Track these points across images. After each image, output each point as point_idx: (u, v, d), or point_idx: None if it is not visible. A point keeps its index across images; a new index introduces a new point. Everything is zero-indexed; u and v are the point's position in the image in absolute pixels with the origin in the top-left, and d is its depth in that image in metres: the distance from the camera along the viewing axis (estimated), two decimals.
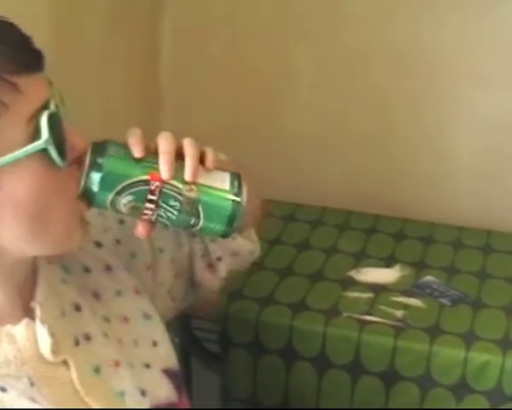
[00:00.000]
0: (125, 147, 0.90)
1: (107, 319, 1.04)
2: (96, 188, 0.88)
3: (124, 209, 0.90)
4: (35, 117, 0.84)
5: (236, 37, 2.00)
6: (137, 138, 0.91)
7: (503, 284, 1.65)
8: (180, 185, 0.90)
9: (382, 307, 1.55)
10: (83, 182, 0.88)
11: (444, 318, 1.54)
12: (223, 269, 1.21)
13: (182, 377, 1.11)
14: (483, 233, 1.83)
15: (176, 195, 0.90)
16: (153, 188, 0.89)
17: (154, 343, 1.09)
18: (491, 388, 1.45)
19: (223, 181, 0.93)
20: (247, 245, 1.19)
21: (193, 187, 0.91)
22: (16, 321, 0.92)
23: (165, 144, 0.91)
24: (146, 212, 0.91)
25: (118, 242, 1.12)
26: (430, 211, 1.91)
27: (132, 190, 0.89)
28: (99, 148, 0.89)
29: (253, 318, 1.53)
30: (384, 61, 1.90)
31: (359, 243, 1.78)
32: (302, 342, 1.52)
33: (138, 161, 0.90)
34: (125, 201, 0.90)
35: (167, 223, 0.93)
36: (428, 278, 1.66)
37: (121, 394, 0.99)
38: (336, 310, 1.54)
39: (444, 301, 1.58)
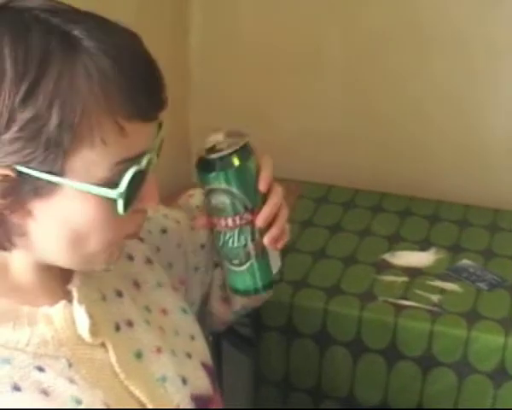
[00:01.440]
0: (257, 167, 1.00)
1: (147, 309, 1.04)
2: (224, 169, 0.97)
3: (214, 199, 0.99)
4: (123, 164, 0.83)
5: (264, 19, 1.97)
6: (269, 174, 1.01)
7: None
8: (257, 235, 1.01)
9: (418, 292, 1.53)
10: (221, 154, 0.97)
11: (481, 302, 1.51)
12: (237, 303, 1.22)
13: (216, 375, 1.10)
14: None
15: (249, 237, 1.01)
16: (244, 216, 1.00)
17: (192, 337, 1.08)
18: None
19: (276, 263, 1.06)
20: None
21: (262, 247, 1.03)
22: (53, 303, 0.92)
23: (275, 200, 1.01)
24: (222, 221, 1.01)
25: (158, 249, 1.13)
26: (465, 193, 1.88)
27: (234, 200, 0.99)
28: (248, 149, 1.00)
29: (286, 301, 1.51)
30: (413, 42, 1.87)
31: (393, 225, 1.75)
32: (337, 326, 1.50)
33: (257, 189, 0.99)
34: (223, 199, 0.99)
35: (221, 242, 1.03)
36: (465, 261, 1.62)
37: (163, 379, 0.98)
38: (371, 294, 1.52)
39: (481, 285, 1.55)
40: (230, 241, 1.02)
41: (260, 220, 1.01)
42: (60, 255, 0.88)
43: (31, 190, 0.82)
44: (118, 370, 0.93)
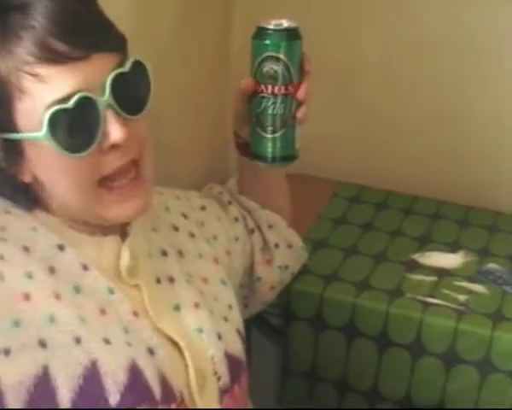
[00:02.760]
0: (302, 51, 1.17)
1: (189, 274, 1.10)
2: (279, 40, 1.13)
3: (265, 66, 1.14)
4: (52, 108, 0.89)
5: (305, 20, 2.00)
6: (310, 60, 1.17)
7: None
8: (294, 108, 1.17)
9: (445, 291, 1.56)
10: (279, 27, 1.14)
11: (507, 305, 1.54)
12: (279, 257, 1.31)
13: (247, 350, 1.16)
14: None
15: (288, 108, 1.17)
16: (289, 88, 1.15)
17: (230, 306, 1.15)
18: None
19: (298, 141, 1.23)
20: (298, 238, 1.38)
21: (294, 120, 1.19)
22: (106, 235, 1.01)
23: (311, 82, 1.17)
24: (269, 88, 1.15)
25: (202, 224, 1.22)
26: (495, 200, 1.91)
27: (283, 71, 1.13)
28: (299, 32, 1.17)
29: (317, 293, 1.56)
30: (450, 47, 1.90)
31: (423, 227, 1.79)
32: (364, 319, 1.54)
33: (301, 67, 1.17)
34: (275, 67, 1.13)
35: (262, 108, 1.16)
36: (492, 265, 1.66)
37: (199, 330, 1.04)
38: (399, 291, 1.56)
39: (507, 288, 1.59)
40: (271, 108, 1.15)
41: (301, 93, 1.16)
42: (70, 206, 0.97)
43: (13, 152, 0.93)
44: (151, 313, 1.01)
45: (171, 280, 1.07)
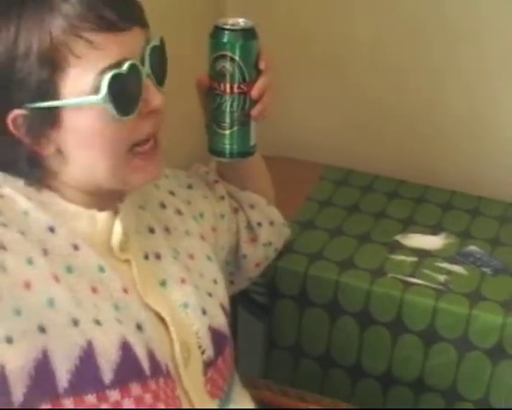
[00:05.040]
0: (259, 50, 1.20)
1: (176, 250, 1.15)
2: (233, 40, 1.16)
3: (219, 65, 1.17)
4: (104, 73, 0.94)
5: (292, 8, 2.03)
6: (268, 58, 1.19)
7: None
8: (248, 106, 1.20)
9: (426, 271, 1.61)
10: (233, 27, 1.17)
11: (485, 285, 1.59)
12: (263, 235, 1.36)
13: (231, 324, 1.20)
14: None
15: (241, 105, 1.19)
16: (242, 86, 1.18)
17: (215, 281, 1.19)
18: None
19: (254, 137, 1.25)
20: (279, 215, 1.42)
21: (248, 117, 1.21)
22: (101, 211, 1.05)
23: (268, 79, 1.20)
24: (222, 86, 1.18)
25: (188, 202, 1.26)
26: (478, 185, 1.95)
27: (236, 70, 1.17)
28: (255, 32, 1.19)
29: (301, 271, 1.61)
30: (441, 35, 1.94)
31: (407, 210, 1.84)
32: (347, 297, 1.59)
33: (256, 66, 1.19)
34: (227, 66, 1.17)
35: (216, 105, 1.19)
36: (472, 247, 1.71)
37: (184, 305, 1.09)
38: (382, 270, 1.61)
39: (486, 270, 1.64)
40: (224, 105, 1.19)
41: (255, 91, 1.19)
42: (96, 174, 1.01)
43: (45, 122, 0.96)
44: (139, 287, 1.05)
45: (158, 256, 1.12)
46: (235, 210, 1.35)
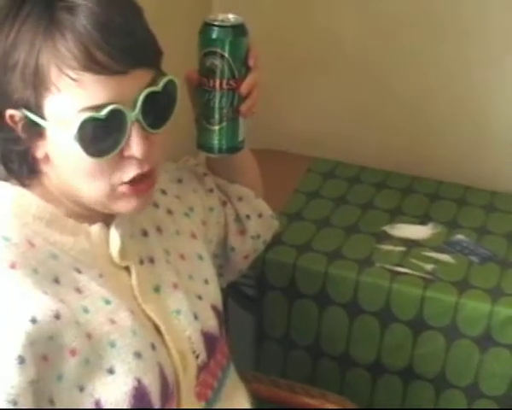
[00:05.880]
0: (248, 47, 1.19)
1: (167, 251, 1.16)
2: (223, 36, 1.16)
3: (208, 61, 1.17)
4: (85, 112, 0.94)
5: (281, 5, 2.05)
6: (257, 55, 1.19)
7: None
8: (236, 102, 1.19)
9: (413, 261, 1.63)
10: (223, 23, 1.17)
11: (472, 273, 1.61)
12: (251, 228, 1.37)
13: (223, 319, 1.21)
14: None
15: (230, 101, 1.19)
16: (230, 82, 1.18)
17: (206, 281, 1.20)
18: None
19: (243, 132, 1.24)
20: (267, 207, 1.41)
21: (237, 113, 1.20)
22: (92, 223, 1.05)
23: (257, 76, 1.20)
24: (211, 81, 1.17)
25: (178, 197, 1.26)
26: (465, 175, 1.97)
27: (225, 66, 1.16)
28: (245, 29, 1.19)
29: (290, 263, 1.62)
30: (420, 27, 1.95)
31: (395, 200, 1.85)
32: (335, 288, 1.60)
33: (245, 62, 1.19)
34: (216, 62, 1.17)
35: (204, 101, 1.19)
36: (459, 236, 1.72)
37: (177, 312, 1.10)
38: (369, 260, 1.62)
39: (473, 258, 1.65)
40: (213, 101, 1.19)
41: (244, 88, 1.19)
42: (80, 194, 1.01)
43: (35, 130, 0.97)
44: (137, 294, 1.06)
45: (152, 260, 1.12)
46: (224, 203, 1.36)
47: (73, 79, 0.92)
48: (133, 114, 0.96)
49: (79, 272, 1.01)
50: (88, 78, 0.92)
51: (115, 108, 0.94)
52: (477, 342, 1.55)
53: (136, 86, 0.97)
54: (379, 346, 1.60)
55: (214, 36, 1.16)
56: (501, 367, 1.54)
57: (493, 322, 1.53)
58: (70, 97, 0.93)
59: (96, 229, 1.05)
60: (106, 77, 0.93)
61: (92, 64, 0.92)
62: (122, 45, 0.93)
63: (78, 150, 0.95)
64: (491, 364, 1.55)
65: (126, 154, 0.98)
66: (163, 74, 1.01)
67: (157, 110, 1.00)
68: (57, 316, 0.94)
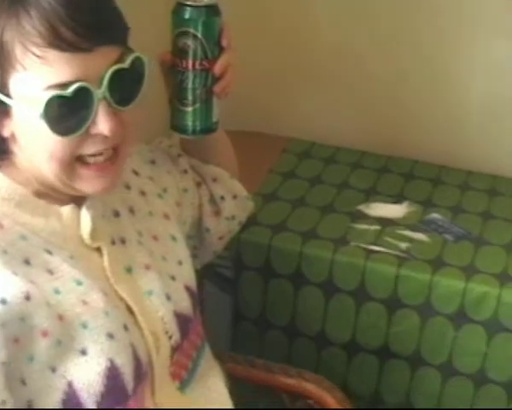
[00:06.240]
0: (221, 27, 1.18)
1: (140, 233, 1.15)
2: (196, 16, 1.15)
3: (181, 42, 1.16)
4: (51, 90, 0.93)
5: None
6: (230, 35, 1.18)
7: (506, 224, 1.72)
8: (210, 83, 1.19)
9: (388, 239, 1.63)
10: (196, 4, 1.15)
11: (446, 252, 1.61)
12: (226, 209, 1.36)
13: (198, 299, 1.21)
14: (489, 177, 1.90)
15: (203, 82, 1.18)
16: (203, 62, 1.17)
17: (180, 262, 1.19)
18: (488, 318, 1.53)
19: (216, 113, 1.23)
20: (242, 188, 1.41)
21: (211, 94, 1.20)
22: (63, 204, 1.04)
23: (230, 56, 1.18)
24: (184, 62, 1.17)
25: (151, 178, 1.25)
26: (440, 154, 1.98)
27: (198, 46, 1.15)
28: (218, 9, 1.17)
29: (265, 243, 1.62)
30: (397, 9, 1.95)
31: (370, 180, 1.86)
32: (311, 267, 1.60)
33: (218, 42, 1.18)
34: (189, 42, 1.15)
35: (177, 81, 1.18)
36: (434, 215, 1.73)
37: (149, 293, 1.10)
38: (344, 239, 1.63)
39: (448, 236, 1.66)
40: (186, 82, 1.17)
41: (218, 68, 1.18)
42: (46, 174, 1.00)
43: (1, 109, 0.96)
44: (109, 274, 1.05)
45: (123, 241, 1.12)
46: (198, 184, 1.36)
47: (38, 57, 0.91)
48: (100, 92, 0.96)
49: (50, 253, 1.00)
50: (53, 55, 0.91)
51: (81, 85, 0.94)
52: (451, 319, 1.56)
53: (102, 64, 0.96)
54: (354, 325, 1.61)
55: (187, 16, 1.15)
56: (475, 344, 1.56)
57: (467, 299, 1.54)
58: (35, 75, 0.93)
59: (67, 210, 1.05)
60: (71, 54, 0.92)
61: (57, 41, 0.91)
62: (87, 22, 0.93)
63: (44, 129, 0.95)
64: (465, 341, 1.57)
65: (93, 132, 0.98)
66: (130, 51, 1.01)
67: (124, 87, 0.99)
68: (27, 297, 0.93)
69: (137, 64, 1.01)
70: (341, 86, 2.05)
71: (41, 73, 0.92)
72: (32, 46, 0.91)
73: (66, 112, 0.95)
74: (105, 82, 0.96)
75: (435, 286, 1.55)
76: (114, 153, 1.03)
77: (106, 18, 0.96)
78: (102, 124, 0.97)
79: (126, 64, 0.99)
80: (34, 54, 0.91)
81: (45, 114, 0.93)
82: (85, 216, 1.05)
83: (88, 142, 0.99)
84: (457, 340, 1.57)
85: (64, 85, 0.93)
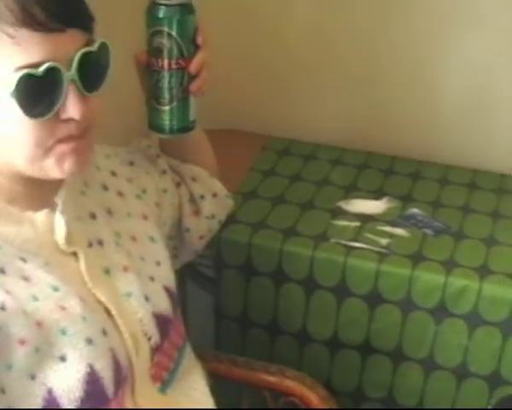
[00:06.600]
0: (196, 25, 1.19)
1: (118, 234, 1.15)
2: (170, 15, 1.16)
3: (156, 41, 1.16)
4: (21, 70, 0.92)
5: None
6: (205, 33, 1.19)
7: (485, 218, 1.73)
8: (186, 81, 1.19)
9: (368, 235, 1.64)
10: (170, 2, 1.15)
11: (426, 246, 1.62)
12: (206, 208, 1.37)
13: (178, 299, 1.21)
14: (468, 171, 1.91)
15: (179, 81, 1.19)
16: (179, 61, 1.18)
17: (158, 263, 1.19)
18: (469, 311, 1.54)
19: (193, 112, 1.24)
20: (222, 187, 1.42)
21: (187, 93, 1.21)
22: (37, 210, 1.04)
23: (206, 54, 1.19)
24: (159, 62, 1.17)
25: (130, 179, 1.25)
26: (418, 149, 1.98)
27: (173, 45, 1.16)
28: (192, 7, 1.18)
29: (245, 241, 1.62)
30: (372, 7, 1.96)
31: (350, 177, 1.86)
32: (291, 264, 1.60)
33: (193, 41, 1.18)
34: (164, 42, 1.16)
35: (154, 81, 1.19)
36: (414, 210, 1.73)
37: (128, 294, 1.09)
38: (325, 236, 1.63)
39: (427, 231, 1.66)
40: (162, 81, 1.18)
41: (193, 66, 1.19)
42: (15, 161, 0.99)
43: None
44: (86, 279, 1.05)
45: (101, 243, 1.12)
46: (178, 184, 1.36)
47: (10, 36, 0.91)
48: (69, 74, 0.96)
49: (25, 261, 1.00)
50: (25, 34, 0.91)
51: (52, 65, 0.94)
52: (432, 313, 1.56)
53: (72, 46, 0.96)
54: (336, 321, 1.61)
55: (161, 15, 1.15)
56: (456, 338, 1.56)
57: (447, 293, 1.54)
58: (6, 56, 0.92)
59: (41, 217, 1.04)
60: (43, 34, 0.92)
61: (29, 19, 0.91)
62: (59, 2, 0.93)
63: (15, 113, 0.94)
64: (446, 335, 1.57)
65: (63, 116, 0.97)
66: (97, 39, 1.01)
67: (92, 72, 0.99)
68: (3, 307, 0.94)
69: (104, 49, 1.02)
70: (320, 84, 2.05)
71: (12, 54, 0.92)
72: (3, 25, 0.91)
73: (37, 92, 0.94)
74: (74, 64, 0.96)
75: (415, 281, 1.55)
76: (84, 135, 1.02)
77: (77, 3, 0.97)
78: (72, 108, 0.97)
79: (95, 47, 0.99)
80: (6, 33, 0.91)
81: (16, 95, 0.93)
82: (59, 221, 1.05)
83: (60, 127, 0.98)
84: (438, 334, 1.57)
85: (35, 66, 0.93)
